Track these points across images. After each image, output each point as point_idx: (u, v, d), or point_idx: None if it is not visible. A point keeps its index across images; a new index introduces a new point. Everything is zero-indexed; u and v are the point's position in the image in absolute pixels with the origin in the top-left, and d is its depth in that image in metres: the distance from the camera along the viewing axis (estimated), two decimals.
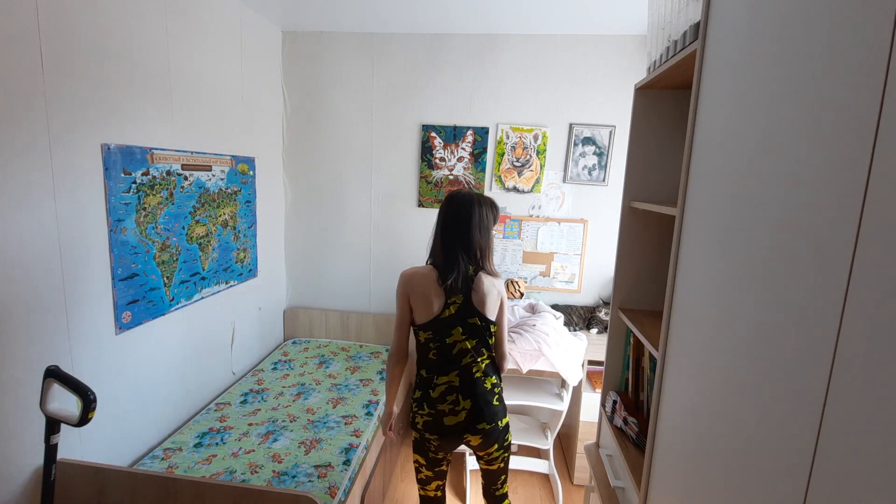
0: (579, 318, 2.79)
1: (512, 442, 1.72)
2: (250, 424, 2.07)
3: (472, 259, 1.58)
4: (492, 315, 1.58)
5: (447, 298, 1.54)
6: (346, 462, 1.86)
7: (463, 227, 1.56)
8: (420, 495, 1.71)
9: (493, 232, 1.65)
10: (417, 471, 1.66)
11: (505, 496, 1.72)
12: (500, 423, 1.56)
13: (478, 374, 1.54)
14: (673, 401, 1.03)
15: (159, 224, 1.89)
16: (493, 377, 1.58)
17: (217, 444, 1.93)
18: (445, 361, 1.54)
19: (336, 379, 2.56)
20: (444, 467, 1.66)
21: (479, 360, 1.55)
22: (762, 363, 0.67)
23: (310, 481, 1.72)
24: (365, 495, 1.91)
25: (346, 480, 1.77)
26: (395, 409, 1.76)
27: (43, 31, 1.38)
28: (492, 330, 1.59)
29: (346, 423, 2.13)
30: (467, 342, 1.54)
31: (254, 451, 1.88)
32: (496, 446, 1.58)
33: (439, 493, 1.70)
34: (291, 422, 2.11)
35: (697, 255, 0.94)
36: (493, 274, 1.61)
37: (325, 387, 2.46)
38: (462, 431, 1.53)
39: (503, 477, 1.68)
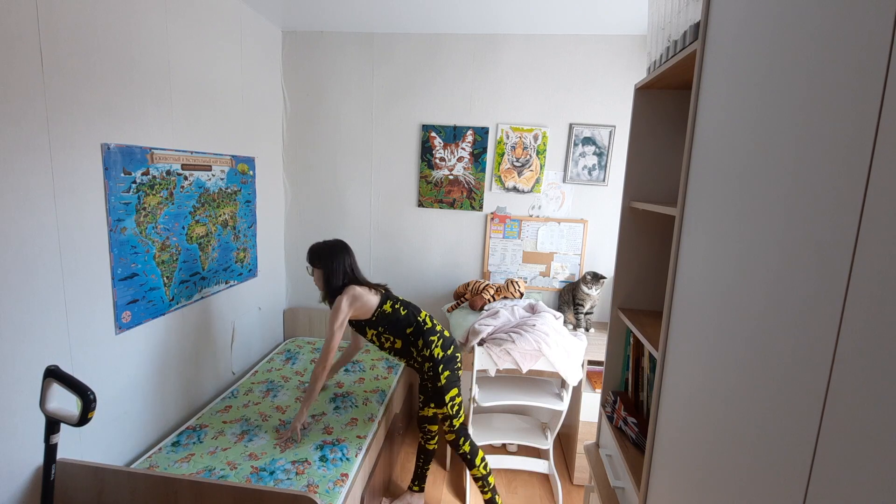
0: (564, 302, 2.81)
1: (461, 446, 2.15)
2: (260, 419, 2.07)
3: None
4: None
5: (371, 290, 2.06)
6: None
7: (351, 259, 2.10)
8: (459, 425, 2.08)
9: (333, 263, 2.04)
10: (454, 405, 2.05)
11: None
12: None
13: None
14: (673, 401, 1.03)
15: (159, 224, 1.89)
16: None
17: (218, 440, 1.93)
18: (414, 306, 2.12)
19: (338, 377, 2.56)
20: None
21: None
22: (762, 363, 0.67)
23: (322, 465, 1.72)
24: (364, 495, 1.91)
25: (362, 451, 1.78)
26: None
27: (43, 31, 1.38)
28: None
29: (364, 404, 2.13)
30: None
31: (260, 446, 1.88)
32: None
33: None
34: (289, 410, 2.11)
35: (697, 255, 0.94)
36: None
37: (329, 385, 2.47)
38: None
39: None
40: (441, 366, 2.01)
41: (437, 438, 2.25)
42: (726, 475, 0.76)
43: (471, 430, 2.46)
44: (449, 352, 2.04)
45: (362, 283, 2.05)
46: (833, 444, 0.53)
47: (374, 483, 2.05)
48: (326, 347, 1.98)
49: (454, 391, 2.04)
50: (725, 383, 0.78)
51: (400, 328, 2.03)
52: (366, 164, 2.98)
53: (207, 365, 2.33)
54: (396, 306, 2.05)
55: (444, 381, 2.00)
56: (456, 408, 2.05)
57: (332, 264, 2.03)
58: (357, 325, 2.08)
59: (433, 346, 2.01)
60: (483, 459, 2.14)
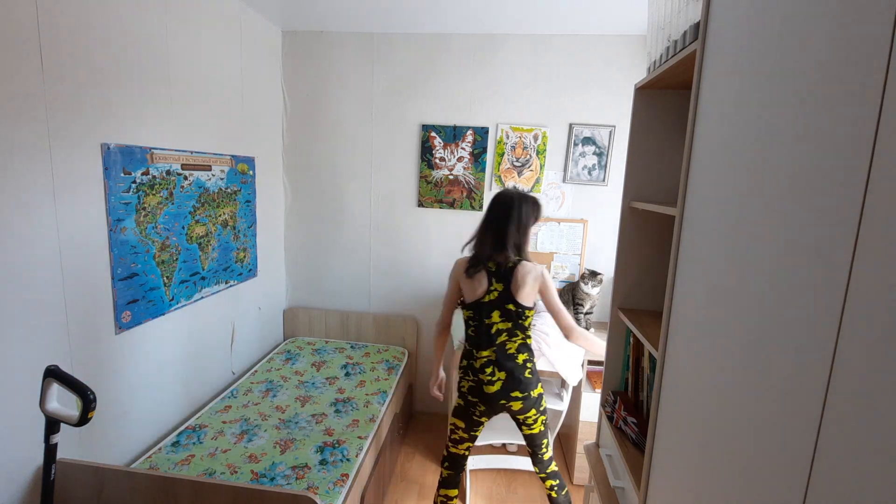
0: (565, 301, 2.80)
1: (547, 407, 1.95)
2: (260, 419, 2.08)
3: (506, 250, 1.78)
4: (527, 301, 1.80)
5: (489, 285, 1.78)
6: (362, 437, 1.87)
7: (502, 223, 1.79)
8: (449, 452, 1.96)
9: (533, 226, 1.85)
10: (452, 432, 1.93)
11: (551, 459, 1.97)
12: (532, 392, 1.82)
13: (511, 351, 1.80)
14: (673, 401, 1.03)
15: (159, 224, 1.89)
16: (525, 354, 1.83)
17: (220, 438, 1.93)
18: (484, 339, 1.80)
19: (339, 382, 2.57)
20: (478, 432, 1.93)
21: (513, 339, 1.80)
22: (762, 363, 0.67)
23: (322, 468, 1.72)
24: (364, 495, 1.91)
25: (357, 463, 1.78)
26: (442, 374, 2.04)
27: (43, 31, 1.38)
28: (526, 314, 1.81)
29: (365, 406, 2.14)
30: (502, 324, 1.79)
31: (266, 453, 1.89)
32: (533, 411, 1.84)
33: (467, 454, 1.97)
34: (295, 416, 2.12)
35: (697, 255, 0.94)
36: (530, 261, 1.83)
37: (328, 386, 2.47)
38: (499, 398, 1.80)
39: (545, 441, 1.94)
40: (458, 395, 1.89)
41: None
42: (726, 475, 0.76)
43: None
44: (469, 397, 1.84)
45: (483, 262, 1.79)
46: (833, 443, 0.53)
47: (374, 483, 2.05)
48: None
49: (458, 421, 1.90)
50: (725, 383, 0.78)
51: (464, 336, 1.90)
52: (366, 164, 2.98)
53: (207, 365, 2.33)
54: (471, 322, 1.82)
55: (454, 405, 1.93)
56: (453, 436, 1.93)
57: (483, 219, 1.85)
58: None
59: (462, 377, 1.87)
60: (444, 497, 1.97)
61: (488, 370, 1.79)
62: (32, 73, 1.36)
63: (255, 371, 2.61)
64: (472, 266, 1.80)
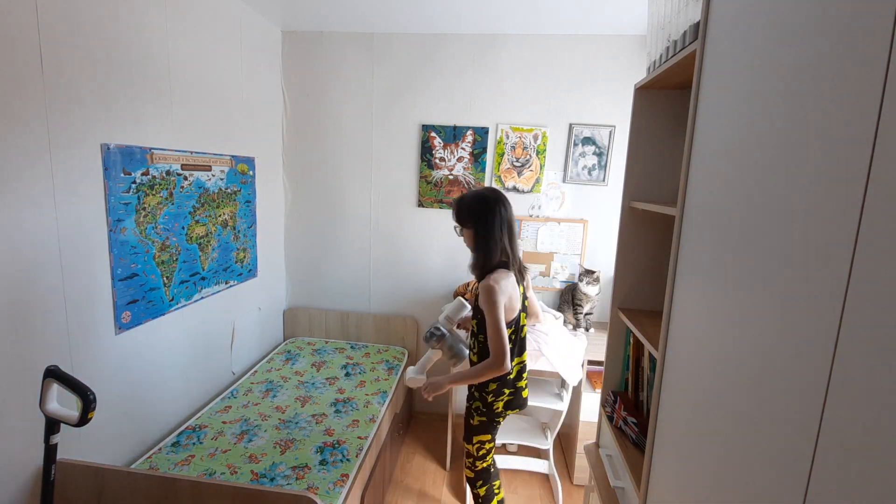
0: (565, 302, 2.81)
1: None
2: (260, 419, 2.07)
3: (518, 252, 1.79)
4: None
5: (522, 290, 1.79)
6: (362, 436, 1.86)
7: (512, 225, 1.79)
8: (480, 469, 1.92)
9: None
10: (480, 448, 1.88)
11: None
12: None
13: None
14: (673, 401, 1.03)
15: (159, 224, 1.89)
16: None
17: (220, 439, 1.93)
18: (521, 345, 1.81)
19: (339, 382, 2.57)
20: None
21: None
22: (762, 363, 0.67)
23: (322, 467, 1.72)
24: (365, 496, 1.91)
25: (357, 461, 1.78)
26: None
27: (43, 31, 1.38)
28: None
29: (365, 406, 2.13)
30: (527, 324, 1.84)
31: (266, 454, 1.89)
32: None
33: (492, 459, 1.97)
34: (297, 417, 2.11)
35: (697, 255, 0.94)
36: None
37: (327, 386, 2.47)
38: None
39: None
40: (483, 412, 1.80)
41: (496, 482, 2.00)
42: (726, 475, 0.76)
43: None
44: (507, 412, 1.80)
45: (516, 266, 1.72)
46: (833, 443, 0.53)
47: (374, 483, 2.05)
48: (497, 343, 1.57)
49: (486, 436, 1.85)
50: (725, 383, 0.78)
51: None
52: (366, 164, 2.98)
53: (207, 365, 2.33)
54: (512, 336, 1.71)
55: (476, 423, 1.84)
56: (482, 451, 1.87)
57: (487, 224, 1.68)
58: (476, 315, 1.74)
59: (498, 397, 1.77)
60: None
61: (525, 375, 1.83)
62: (32, 73, 1.36)
63: (255, 371, 2.61)
64: (512, 276, 1.70)
